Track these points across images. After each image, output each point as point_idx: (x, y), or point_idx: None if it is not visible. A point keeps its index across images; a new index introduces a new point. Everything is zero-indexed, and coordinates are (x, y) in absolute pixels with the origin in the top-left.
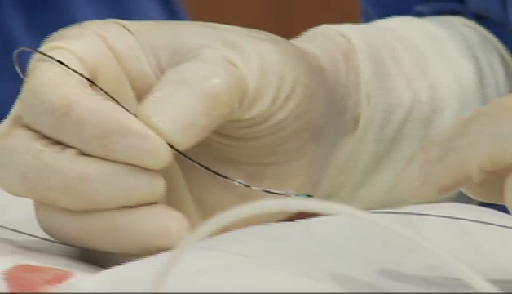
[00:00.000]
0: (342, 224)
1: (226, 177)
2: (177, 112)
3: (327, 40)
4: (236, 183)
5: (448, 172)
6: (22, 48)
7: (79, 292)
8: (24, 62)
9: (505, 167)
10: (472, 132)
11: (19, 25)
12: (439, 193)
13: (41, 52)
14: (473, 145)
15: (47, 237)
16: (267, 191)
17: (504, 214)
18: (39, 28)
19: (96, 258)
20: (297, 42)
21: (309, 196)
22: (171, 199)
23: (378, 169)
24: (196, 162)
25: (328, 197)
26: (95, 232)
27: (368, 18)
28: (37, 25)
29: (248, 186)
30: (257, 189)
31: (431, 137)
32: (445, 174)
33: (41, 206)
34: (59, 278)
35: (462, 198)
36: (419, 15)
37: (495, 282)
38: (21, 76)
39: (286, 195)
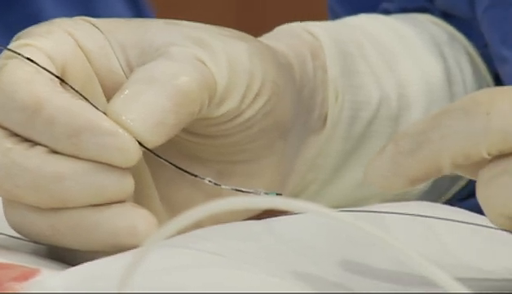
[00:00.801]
0: (309, 223)
1: (196, 175)
2: (146, 110)
3: (294, 37)
4: (206, 181)
5: (419, 165)
6: None
7: (45, 292)
8: None
9: (477, 161)
10: (445, 126)
11: None
12: (409, 184)
13: (10, 49)
14: (445, 138)
15: (15, 234)
16: (237, 189)
17: (466, 211)
18: (5, 26)
19: (64, 256)
20: (265, 39)
21: (278, 194)
22: (139, 198)
23: (346, 166)
24: (166, 160)
25: (296, 194)
26: (64, 229)
27: (334, 16)
28: (4, 22)
29: (217, 185)
30: (226, 187)
31: (402, 130)
32: (417, 166)
33: (10, 203)
34: (26, 275)
35: (428, 197)
36: (386, 12)
37: (460, 280)
38: None
39: (255, 193)
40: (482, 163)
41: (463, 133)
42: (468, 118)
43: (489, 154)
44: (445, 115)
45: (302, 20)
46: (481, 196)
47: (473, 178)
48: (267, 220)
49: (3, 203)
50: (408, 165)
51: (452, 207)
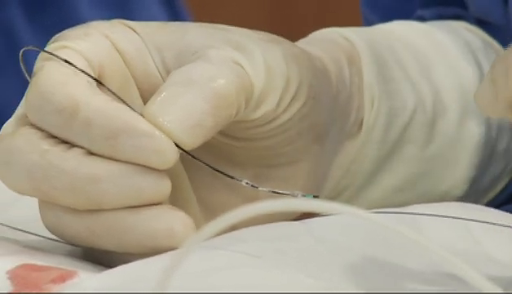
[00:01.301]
0: (346, 224)
1: (233, 177)
2: (184, 112)
3: (331, 43)
4: (243, 183)
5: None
6: (28, 47)
7: (83, 292)
8: (27, 61)
9: None
10: None
11: (22, 23)
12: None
13: (48, 52)
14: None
15: (52, 236)
16: (274, 192)
17: (506, 214)
18: (42, 27)
19: (101, 258)
20: (302, 44)
21: (315, 197)
22: (176, 200)
23: (381, 172)
24: (203, 162)
25: (331, 199)
26: (100, 231)
27: (368, 24)
28: (40, 24)
29: (255, 187)
30: (264, 189)
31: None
32: (509, 88)
33: (46, 205)
34: (64, 277)
35: (469, 199)
36: (421, 19)
37: (498, 282)
38: (26, 76)
39: (292, 196)
40: None
41: None
42: None
43: None
44: None
45: (338, 25)
46: None
47: None
48: (304, 220)
49: (39, 205)
50: (501, 88)
51: (493, 209)
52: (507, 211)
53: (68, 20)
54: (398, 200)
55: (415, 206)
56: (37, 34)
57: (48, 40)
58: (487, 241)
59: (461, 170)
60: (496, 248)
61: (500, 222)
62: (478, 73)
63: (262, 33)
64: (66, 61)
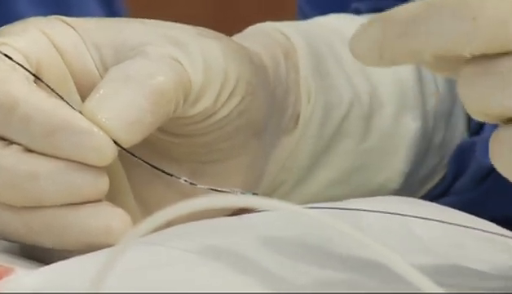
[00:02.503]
0: (282, 221)
1: (171, 175)
2: (122, 109)
3: (267, 37)
4: (182, 181)
5: (403, 52)
6: None
7: (19, 291)
8: None
9: (458, 57)
10: (433, 22)
11: None
12: (390, 65)
13: None
14: (431, 35)
15: None
16: (212, 189)
17: (445, 207)
18: None
19: (38, 254)
20: (237, 39)
21: (254, 194)
22: (114, 197)
23: (317, 166)
24: (141, 159)
25: (267, 194)
26: (38, 228)
27: (304, 16)
28: None
29: (193, 184)
30: (202, 186)
31: (392, 12)
32: (400, 53)
33: None
34: (1, 274)
35: (404, 192)
36: (357, 12)
37: (436, 276)
38: None
39: (231, 193)
40: (462, 61)
41: (448, 33)
42: (455, 18)
43: (471, 55)
44: (435, 9)
45: (271, 19)
46: (462, 93)
47: (449, 74)
48: (241, 216)
49: None
50: (392, 50)
51: (428, 202)
52: (440, 204)
53: (5, 16)
54: (333, 193)
55: (351, 200)
56: None
57: None
58: (425, 236)
59: (396, 163)
60: (434, 243)
61: (435, 215)
62: (414, 67)
63: (201, 28)
64: (6, 56)
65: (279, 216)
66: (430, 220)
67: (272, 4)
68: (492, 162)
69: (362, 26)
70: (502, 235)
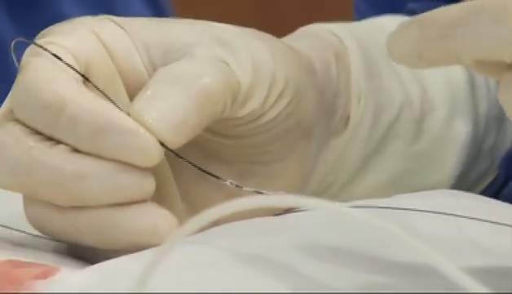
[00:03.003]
0: (327, 220)
1: (218, 177)
2: (168, 110)
3: (318, 39)
4: (228, 183)
5: (440, 55)
6: (18, 39)
7: (65, 290)
8: (11, 58)
9: (499, 62)
10: (472, 25)
11: (5, 22)
12: (427, 67)
13: (38, 44)
14: (470, 39)
15: (36, 232)
16: (258, 192)
17: (490, 200)
18: (25, 26)
19: (84, 254)
20: (288, 40)
21: None
22: (160, 197)
23: (367, 168)
24: (189, 162)
25: (316, 196)
26: (84, 228)
27: (360, 15)
28: (23, 22)
29: (239, 187)
30: (247, 189)
31: (430, 13)
32: (438, 56)
33: (30, 201)
34: (46, 273)
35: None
36: (412, 13)
37: (483, 275)
38: (17, 65)
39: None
40: (503, 66)
41: (488, 38)
42: (496, 23)
43: (511, 61)
44: (474, 14)
45: (327, 18)
46: (502, 99)
47: (493, 77)
48: (284, 215)
49: (24, 201)
50: (429, 52)
51: (477, 195)
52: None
53: (50, 18)
54: (383, 197)
55: (398, 196)
56: (20, 33)
57: (30, 38)
58: (473, 233)
59: (447, 167)
60: (483, 240)
61: (483, 209)
62: (466, 71)
63: (249, 29)
64: (55, 56)
65: (324, 215)
66: (479, 220)
67: (329, 3)
68: None
69: (400, 27)
70: None
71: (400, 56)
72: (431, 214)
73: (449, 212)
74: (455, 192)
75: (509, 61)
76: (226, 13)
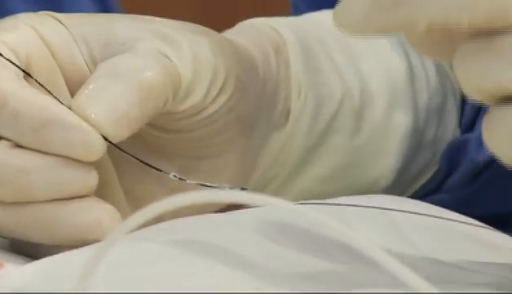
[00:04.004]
0: (271, 216)
1: (160, 170)
2: (111, 104)
3: (257, 33)
4: (171, 176)
5: (394, 22)
6: None
7: (7, 286)
8: None
9: (454, 30)
10: None
11: None
12: (379, 34)
13: None
14: (430, 2)
15: None
16: (202, 184)
17: (430, 205)
18: None
19: (27, 249)
20: (229, 34)
21: (243, 189)
22: (103, 192)
23: (309, 161)
24: (131, 155)
25: (258, 190)
26: (27, 223)
27: (297, 11)
28: None
29: (183, 179)
30: (191, 182)
31: None
32: (392, 23)
33: None
34: None
35: (391, 193)
36: None
37: (425, 272)
38: None
39: (220, 189)
40: (453, 41)
41: (449, 0)
42: None
43: (469, 26)
44: None
45: (264, 15)
46: (458, 70)
47: (441, 57)
48: (230, 212)
49: None
50: (383, 20)
51: (416, 201)
52: (432, 201)
53: None
54: (325, 190)
55: (341, 198)
56: None
57: None
58: (412, 233)
59: (388, 159)
60: (422, 241)
61: (422, 213)
62: (406, 64)
63: (190, 24)
64: None
65: (267, 211)
66: (412, 213)
67: (268, 1)
68: (485, 143)
69: None
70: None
71: (349, 25)
72: (371, 215)
73: (389, 214)
74: (397, 197)
75: (466, 25)
76: (169, 9)
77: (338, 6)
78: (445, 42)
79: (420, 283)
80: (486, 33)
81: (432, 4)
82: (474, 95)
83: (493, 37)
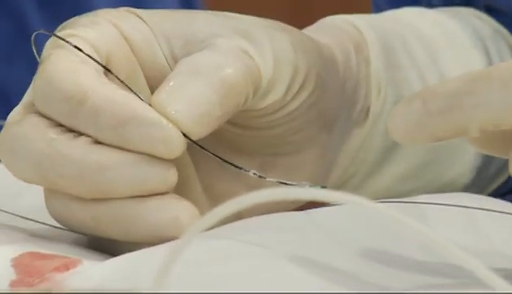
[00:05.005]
0: (351, 215)
1: (240, 168)
2: (191, 101)
3: (338, 30)
4: (251, 173)
5: (447, 127)
6: (39, 30)
7: (86, 283)
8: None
9: (506, 131)
10: (480, 94)
11: (33, 10)
12: (432, 141)
13: (58, 36)
14: (479, 107)
15: (57, 225)
16: (281, 182)
17: (510, 204)
18: (52, 15)
19: (106, 246)
20: (309, 32)
21: (323, 187)
22: (182, 189)
23: (388, 160)
24: (211, 153)
25: (337, 188)
26: (106, 220)
27: (378, 9)
28: (51, 12)
29: (262, 177)
30: (271, 179)
31: (433, 87)
32: (443, 128)
33: (52, 193)
34: (67, 265)
35: (471, 190)
36: (430, 5)
37: (504, 271)
38: (38, 59)
39: (299, 186)
40: (509, 139)
41: (499, 105)
42: (507, 90)
43: None
44: (481, 82)
45: (346, 13)
46: None
47: (499, 154)
48: (308, 210)
49: (45, 193)
50: (434, 126)
51: (497, 199)
52: (510, 200)
53: (78, 8)
54: (405, 188)
55: (421, 196)
56: (47, 22)
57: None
58: (492, 232)
59: (468, 158)
60: (502, 240)
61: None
62: (486, 61)
63: (270, 21)
64: (76, 47)
65: (347, 210)
66: (497, 212)
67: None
68: None
69: (402, 102)
70: None
71: (403, 133)
72: (452, 214)
73: (469, 212)
74: (478, 196)
75: None
76: (251, 4)
77: (392, 113)
78: (502, 140)
79: (498, 282)
80: None
81: (482, 109)
82: None
83: None
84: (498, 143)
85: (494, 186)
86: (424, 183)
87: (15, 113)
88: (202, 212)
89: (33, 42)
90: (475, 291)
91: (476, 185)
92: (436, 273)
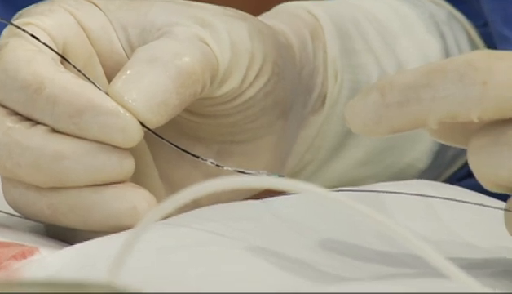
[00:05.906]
0: (308, 203)
1: (198, 157)
2: (148, 90)
3: (294, 17)
4: (208, 162)
5: (405, 119)
6: None
7: (43, 271)
8: None
9: (464, 125)
10: (438, 87)
11: None
12: (390, 134)
13: (15, 25)
14: (437, 100)
15: (14, 212)
16: (239, 171)
17: (467, 191)
18: (10, 4)
19: (63, 234)
20: (265, 18)
21: (280, 176)
22: (139, 177)
23: (344, 146)
24: (168, 141)
25: (294, 174)
26: (63, 209)
27: None
28: (9, 1)
29: (220, 166)
30: (228, 168)
31: (390, 79)
32: (402, 120)
33: (9, 181)
34: (25, 253)
35: (427, 176)
36: None
37: (462, 260)
38: None
39: (256, 175)
40: (467, 129)
41: (456, 98)
42: (463, 83)
43: (479, 120)
44: (438, 75)
45: None
46: (472, 164)
47: (456, 144)
48: (266, 199)
49: (2, 182)
50: (392, 118)
51: (454, 186)
52: (466, 185)
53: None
54: (361, 173)
55: (378, 184)
56: (4, 10)
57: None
58: (451, 220)
59: (424, 143)
60: (461, 227)
61: (461, 199)
62: (442, 45)
63: (228, 8)
64: (32, 36)
65: (304, 199)
66: (453, 200)
67: None
68: (508, 230)
69: (359, 95)
70: None
71: (361, 125)
72: (409, 201)
73: (428, 200)
74: (434, 183)
75: (476, 120)
76: None
77: (349, 105)
78: (460, 130)
79: (454, 271)
80: (496, 126)
81: (440, 102)
82: (491, 187)
83: (504, 130)
84: (457, 134)
85: (451, 171)
86: (381, 168)
87: None
88: (160, 201)
89: None
90: (436, 280)
91: (432, 170)
92: (396, 264)
